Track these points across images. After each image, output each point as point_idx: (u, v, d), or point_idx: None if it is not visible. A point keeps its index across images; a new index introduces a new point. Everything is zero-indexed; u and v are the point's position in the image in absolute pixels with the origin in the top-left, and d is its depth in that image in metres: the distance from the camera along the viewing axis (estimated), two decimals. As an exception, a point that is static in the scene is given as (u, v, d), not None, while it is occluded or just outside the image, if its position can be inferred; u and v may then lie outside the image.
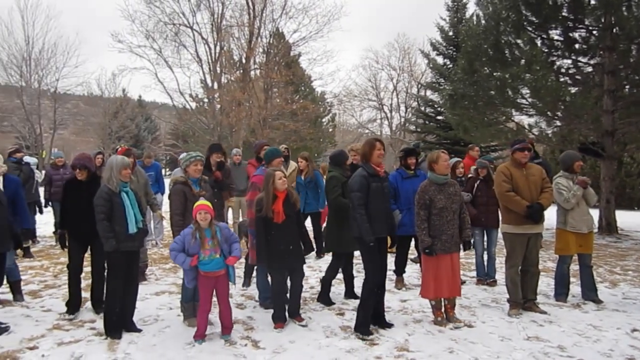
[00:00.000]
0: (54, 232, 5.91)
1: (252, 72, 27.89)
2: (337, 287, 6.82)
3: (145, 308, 6.00)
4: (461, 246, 5.66)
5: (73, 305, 5.71)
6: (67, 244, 5.79)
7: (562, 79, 13.22)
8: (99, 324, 5.30)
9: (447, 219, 5.48)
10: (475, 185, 7.42)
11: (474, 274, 7.61)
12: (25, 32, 30.92)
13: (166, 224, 10.02)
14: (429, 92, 31.66)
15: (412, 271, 7.91)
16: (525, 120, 16.54)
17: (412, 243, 7.21)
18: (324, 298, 6.37)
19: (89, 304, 6.22)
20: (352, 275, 6.70)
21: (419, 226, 5.54)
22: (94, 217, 5.09)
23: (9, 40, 30.98)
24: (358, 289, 6.62)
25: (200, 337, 4.93)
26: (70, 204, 5.62)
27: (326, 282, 6.42)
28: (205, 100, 28.63)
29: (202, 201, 4.98)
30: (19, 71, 31.03)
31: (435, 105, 27.96)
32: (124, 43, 25.61)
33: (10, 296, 6.32)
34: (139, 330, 5.25)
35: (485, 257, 7.51)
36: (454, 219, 5.54)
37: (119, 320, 5.12)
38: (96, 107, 39.40)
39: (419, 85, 39.55)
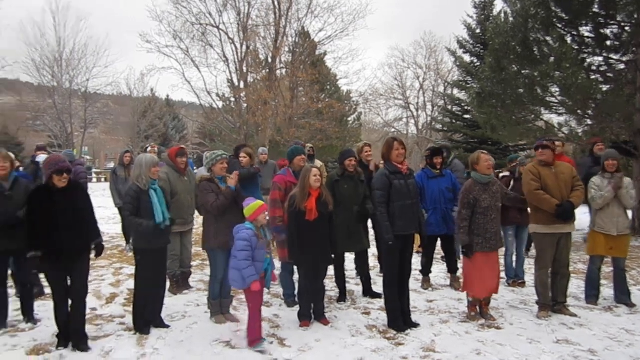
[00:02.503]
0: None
1: (278, 71, 27.97)
2: (362, 287, 6.81)
3: (173, 304, 6.09)
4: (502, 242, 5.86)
5: (66, 337, 4.80)
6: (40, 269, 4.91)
7: (593, 77, 12.91)
8: (128, 319, 5.40)
9: (491, 218, 5.55)
10: (511, 183, 7.31)
11: (503, 274, 7.49)
12: (57, 34, 31.58)
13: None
14: (455, 91, 31.29)
15: (439, 271, 7.85)
16: (555, 119, 16.20)
17: (439, 243, 7.19)
18: (342, 296, 6.45)
19: (118, 299, 6.36)
20: (369, 275, 6.70)
21: (459, 225, 5.61)
22: (79, 229, 4.75)
23: (42, 42, 31.66)
24: (375, 286, 6.66)
25: (258, 340, 4.82)
26: (48, 218, 4.58)
27: (340, 280, 6.47)
28: (232, 99, 28.84)
29: (260, 202, 4.98)
30: (51, 72, 31.73)
31: (463, 104, 27.61)
32: (152, 43, 25.95)
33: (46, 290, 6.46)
34: (167, 326, 5.33)
35: (515, 257, 7.40)
36: (497, 217, 5.61)
37: (147, 316, 5.21)
38: (125, 106, 40.01)
39: (446, 84, 39.17)
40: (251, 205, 4.89)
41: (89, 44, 33.44)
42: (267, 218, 4.90)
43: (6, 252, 5.26)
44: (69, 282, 4.79)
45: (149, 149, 9.90)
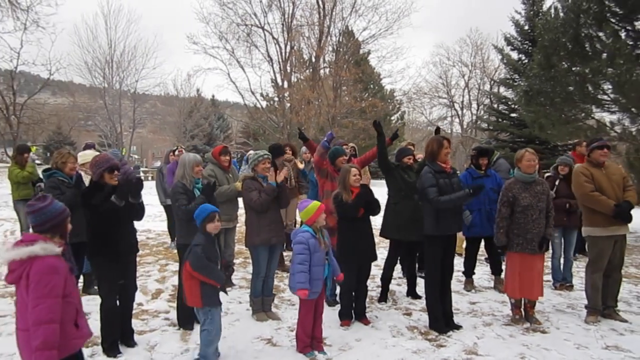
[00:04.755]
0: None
1: (322, 71, 28.11)
2: (403, 287, 6.76)
3: (216, 301, 6.17)
4: (548, 245, 5.65)
5: (115, 344, 4.71)
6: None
7: (648, 73, 12.40)
8: (173, 314, 5.53)
9: (532, 218, 5.41)
10: (556, 184, 7.11)
11: (549, 277, 7.28)
12: (108, 36, 32.70)
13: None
14: (502, 89, 30.61)
15: (482, 273, 7.70)
16: (607, 117, 15.65)
17: (483, 244, 7.06)
18: (383, 296, 6.40)
19: (163, 295, 6.51)
20: (414, 275, 6.63)
21: (497, 224, 5.53)
22: (132, 227, 4.87)
23: (94, 44, 32.88)
24: (417, 287, 6.57)
25: (307, 347, 4.66)
26: (105, 216, 4.53)
27: (385, 281, 6.43)
28: (276, 99, 29.17)
29: (318, 202, 4.79)
30: (102, 73, 32.90)
31: (509, 102, 27.02)
32: (198, 45, 26.59)
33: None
34: (210, 323, 5.41)
35: (562, 260, 7.19)
36: (540, 217, 5.45)
37: (191, 312, 5.30)
38: (172, 106, 41.01)
39: (492, 82, 38.39)
40: (309, 208, 4.67)
41: (138, 46, 34.55)
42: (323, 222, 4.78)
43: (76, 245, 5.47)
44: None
45: (177, 151, 9.65)
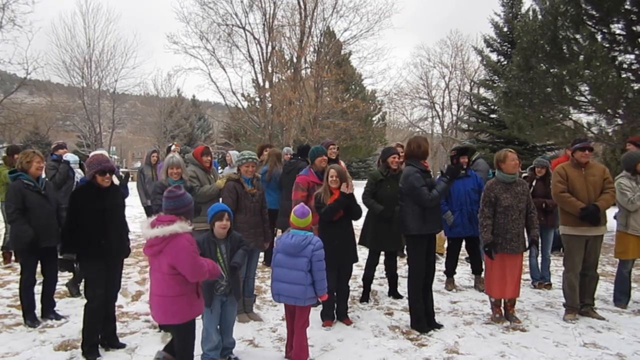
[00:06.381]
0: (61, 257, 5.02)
1: (303, 71, 28.01)
2: (385, 287, 6.79)
3: (197, 303, 6.13)
4: (527, 245, 5.70)
5: (94, 347, 4.63)
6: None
7: (624, 75, 12.61)
8: (154, 317, 5.47)
9: (512, 218, 5.46)
10: (533, 184, 7.22)
11: (528, 276, 7.38)
12: (87, 36, 32.17)
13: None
14: (482, 90, 30.96)
15: (463, 272, 7.77)
16: (584, 119, 15.92)
17: (464, 244, 7.12)
18: (365, 296, 6.42)
19: (143, 297, 6.44)
20: (396, 275, 6.65)
21: (481, 223, 5.56)
22: (123, 229, 4.90)
23: (72, 44, 32.27)
24: (399, 287, 6.60)
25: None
26: (96, 218, 4.54)
27: (367, 281, 6.45)
28: (257, 99, 29.02)
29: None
30: (80, 73, 32.35)
31: (489, 103, 27.29)
32: (179, 44, 26.28)
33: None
34: (191, 324, 5.38)
35: (540, 259, 7.28)
36: (520, 218, 5.51)
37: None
38: (152, 106, 40.53)
39: (472, 83, 38.73)
40: (310, 215, 4.62)
41: (117, 46, 33.83)
42: None
43: (45, 249, 5.40)
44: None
45: (173, 147, 9.84)
